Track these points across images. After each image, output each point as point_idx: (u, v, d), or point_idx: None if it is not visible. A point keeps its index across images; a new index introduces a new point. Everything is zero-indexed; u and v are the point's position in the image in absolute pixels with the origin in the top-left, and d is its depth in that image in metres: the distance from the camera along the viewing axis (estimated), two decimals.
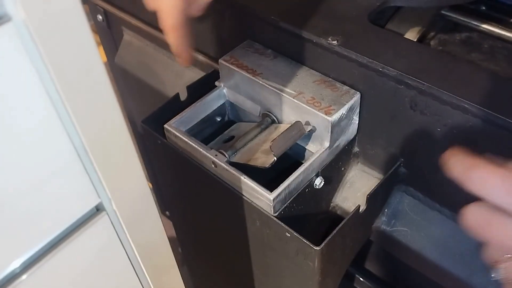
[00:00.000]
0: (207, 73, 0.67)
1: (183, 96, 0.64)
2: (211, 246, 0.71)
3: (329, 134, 0.53)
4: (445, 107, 0.48)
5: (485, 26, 0.63)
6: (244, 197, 0.53)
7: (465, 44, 0.63)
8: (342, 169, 0.60)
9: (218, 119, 0.63)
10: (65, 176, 0.31)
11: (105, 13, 0.84)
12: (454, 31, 0.64)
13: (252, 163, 0.53)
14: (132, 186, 0.35)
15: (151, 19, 0.77)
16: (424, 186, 0.57)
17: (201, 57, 0.73)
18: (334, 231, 0.50)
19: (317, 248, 0.49)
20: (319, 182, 0.56)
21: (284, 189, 0.51)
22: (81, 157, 0.31)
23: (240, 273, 0.67)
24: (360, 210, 0.53)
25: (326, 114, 0.52)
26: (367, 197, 0.53)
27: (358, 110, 0.56)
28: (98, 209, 0.34)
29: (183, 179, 0.64)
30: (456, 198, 0.53)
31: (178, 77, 0.79)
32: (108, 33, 0.87)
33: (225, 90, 0.62)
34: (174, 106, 0.62)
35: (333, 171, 0.59)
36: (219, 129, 0.64)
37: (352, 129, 0.57)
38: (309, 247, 0.49)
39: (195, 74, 0.74)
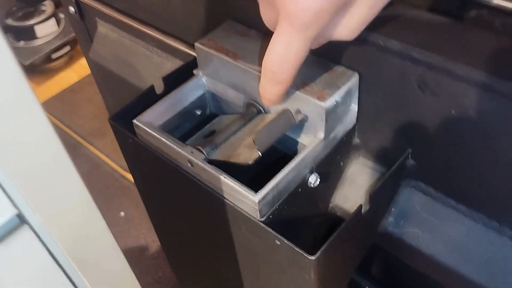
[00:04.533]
0: (186, 62, 0.60)
1: (159, 89, 0.57)
2: (197, 256, 0.63)
3: (324, 123, 0.45)
4: (460, 84, 0.40)
5: (496, 1, 0.55)
6: (226, 200, 0.46)
7: (474, 22, 0.55)
8: (341, 164, 0.52)
9: (198, 113, 0.56)
10: None
11: (77, 4, 0.76)
12: (461, 9, 0.56)
13: (233, 160, 0.45)
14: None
15: (127, 8, 0.70)
16: (436, 179, 0.49)
17: (180, 45, 0.66)
18: (332, 237, 0.42)
19: (312, 257, 0.41)
20: (314, 179, 0.48)
21: (272, 189, 0.43)
22: None
23: (230, 285, 0.59)
24: (362, 211, 0.45)
25: (319, 100, 0.44)
26: (370, 194, 0.45)
27: (356, 95, 0.48)
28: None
29: (158, 181, 0.56)
30: (474, 193, 0.45)
31: (157, 70, 0.71)
32: (82, 26, 0.79)
33: (204, 79, 0.54)
34: (148, 100, 0.54)
35: (330, 166, 0.51)
36: (199, 124, 0.56)
37: (351, 117, 0.49)
38: (303, 257, 0.42)
39: (177, 66, 0.67)
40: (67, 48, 2.23)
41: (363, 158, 0.54)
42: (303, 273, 0.44)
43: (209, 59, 0.52)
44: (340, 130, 0.49)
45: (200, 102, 0.55)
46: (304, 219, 0.51)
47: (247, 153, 0.44)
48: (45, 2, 2.23)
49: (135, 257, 1.71)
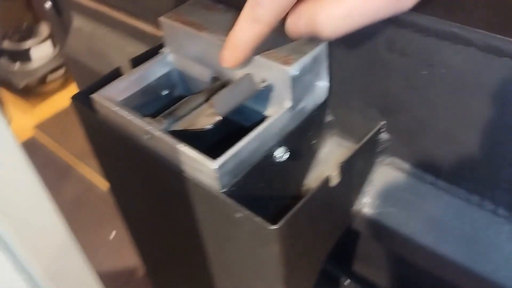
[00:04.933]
0: (156, 45, 0.57)
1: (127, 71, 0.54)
2: (166, 243, 0.60)
3: (290, 90, 0.43)
4: (428, 40, 0.38)
5: None
6: (185, 173, 0.43)
7: None
8: (314, 141, 0.50)
9: (165, 93, 0.53)
10: None
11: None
12: None
13: (193, 127, 0.42)
14: None
15: None
16: (412, 154, 0.46)
17: (154, 31, 0.64)
18: (297, 206, 0.39)
19: (274, 227, 0.38)
20: (281, 153, 0.45)
21: (233, 157, 0.40)
22: None
23: (199, 271, 0.55)
24: (332, 184, 0.42)
25: (284, 65, 0.42)
26: (340, 166, 0.42)
27: (325, 64, 0.45)
28: None
29: (120, 162, 0.53)
30: (452, 165, 0.42)
31: None
32: (59, 22, 0.78)
33: (170, 56, 0.52)
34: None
35: (301, 142, 0.48)
36: (167, 105, 0.53)
37: (321, 89, 0.47)
38: (264, 228, 0.38)
39: None
40: (62, 71, 2.24)
41: (338, 137, 0.51)
42: (267, 248, 0.40)
43: (174, 33, 0.49)
44: (310, 102, 0.46)
45: (167, 81, 0.52)
46: (274, 199, 0.47)
47: (207, 120, 0.42)
48: (41, 25, 2.24)
49: (124, 277, 1.67)
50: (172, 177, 0.44)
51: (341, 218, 0.48)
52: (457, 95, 0.39)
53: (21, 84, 2.22)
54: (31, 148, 2.27)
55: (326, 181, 0.42)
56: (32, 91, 2.27)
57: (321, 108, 0.48)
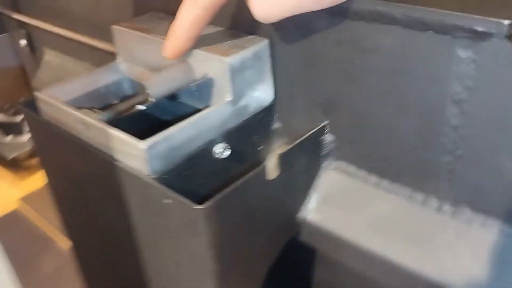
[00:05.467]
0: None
1: None
2: (104, 244, 0.56)
3: (230, 82, 0.43)
4: (358, 24, 0.38)
5: None
6: (118, 161, 0.41)
7: None
8: (260, 147, 0.49)
9: (115, 102, 0.53)
10: None
11: (28, 36, 0.78)
12: None
13: (126, 111, 0.42)
14: None
15: (68, 26, 0.70)
16: (356, 154, 0.45)
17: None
18: (228, 189, 0.38)
19: (201, 206, 0.36)
20: (220, 149, 0.44)
21: (164, 141, 0.39)
22: None
23: (136, 276, 0.51)
24: (268, 173, 0.41)
25: (222, 56, 0.42)
26: (278, 157, 0.41)
27: (268, 65, 0.46)
28: None
29: (58, 160, 0.51)
30: (395, 163, 0.41)
31: None
32: (32, 59, 0.80)
33: (122, 65, 0.52)
34: None
35: (245, 144, 0.47)
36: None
37: (266, 91, 0.47)
38: (191, 209, 0.36)
39: None
40: None
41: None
42: (197, 235, 0.38)
43: (125, 40, 0.50)
44: (253, 102, 0.46)
45: (117, 89, 0.52)
46: (211, 196, 0.45)
47: (140, 102, 0.41)
48: None
49: None
50: (107, 167, 0.43)
51: (283, 223, 0.46)
52: (390, 81, 0.39)
53: (10, 156, 2.23)
54: (15, 220, 2.23)
55: (263, 169, 0.40)
56: (21, 164, 2.27)
57: (267, 112, 0.48)
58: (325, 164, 0.47)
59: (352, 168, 0.45)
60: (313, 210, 0.46)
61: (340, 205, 0.45)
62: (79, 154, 0.46)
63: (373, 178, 0.44)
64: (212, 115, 0.42)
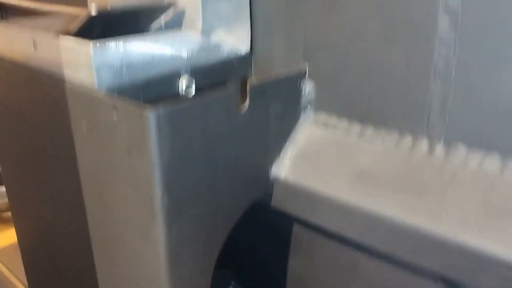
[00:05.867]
0: None
1: None
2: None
3: (201, 10, 0.39)
4: None
5: None
6: (66, 79, 0.36)
7: None
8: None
9: None
10: None
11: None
12: None
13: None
14: None
15: None
16: (337, 101, 0.40)
17: None
18: (186, 100, 0.32)
19: (151, 112, 0.30)
20: (185, 84, 0.39)
21: (116, 48, 0.34)
22: None
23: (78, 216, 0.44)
24: (235, 96, 0.36)
25: None
26: (249, 85, 0.36)
27: (247, 2, 0.42)
28: None
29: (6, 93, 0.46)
30: (380, 104, 0.37)
31: None
32: None
33: None
34: None
35: (215, 85, 0.42)
36: None
37: (242, 38, 0.42)
38: (139, 115, 0.31)
39: None
40: None
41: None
42: (144, 154, 0.32)
43: None
44: (227, 45, 0.41)
45: None
46: None
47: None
48: None
49: None
50: (54, 89, 0.37)
51: (253, 178, 0.39)
52: (381, 11, 0.35)
53: None
54: None
55: (231, 93, 0.35)
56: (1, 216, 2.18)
57: (243, 62, 0.43)
58: (303, 117, 0.42)
59: (332, 120, 0.40)
60: (288, 168, 0.40)
61: (318, 161, 0.39)
62: (26, 82, 0.41)
63: (356, 128, 0.39)
64: (178, 39, 0.38)
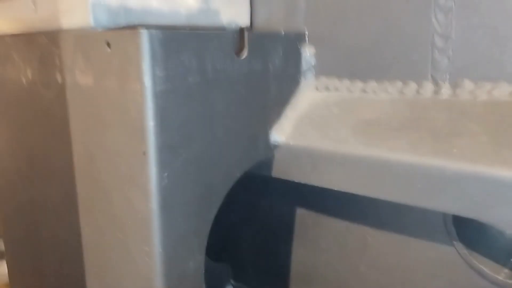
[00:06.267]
0: None
1: None
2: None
3: None
4: None
5: None
6: (64, 27, 0.36)
7: None
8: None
9: None
10: None
11: None
12: None
13: None
14: None
15: None
16: (337, 61, 0.39)
17: None
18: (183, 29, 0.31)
19: (145, 31, 0.29)
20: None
21: None
22: None
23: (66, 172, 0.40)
24: (234, 40, 0.35)
25: None
26: (248, 33, 0.36)
27: None
28: None
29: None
30: (382, 57, 0.36)
31: None
32: None
33: None
34: None
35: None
36: None
37: (242, 11, 0.42)
38: (131, 35, 0.30)
39: None
40: None
41: None
42: (136, 82, 0.31)
43: None
44: (227, 13, 0.41)
45: None
46: None
47: None
48: None
49: None
50: (51, 43, 0.36)
51: (252, 140, 0.37)
52: None
53: None
54: None
55: (230, 36, 0.34)
56: None
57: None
58: (304, 83, 0.40)
59: (334, 82, 0.39)
60: (289, 132, 0.38)
61: (321, 122, 0.38)
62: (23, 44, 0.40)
63: (358, 85, 0.38)
64: None
